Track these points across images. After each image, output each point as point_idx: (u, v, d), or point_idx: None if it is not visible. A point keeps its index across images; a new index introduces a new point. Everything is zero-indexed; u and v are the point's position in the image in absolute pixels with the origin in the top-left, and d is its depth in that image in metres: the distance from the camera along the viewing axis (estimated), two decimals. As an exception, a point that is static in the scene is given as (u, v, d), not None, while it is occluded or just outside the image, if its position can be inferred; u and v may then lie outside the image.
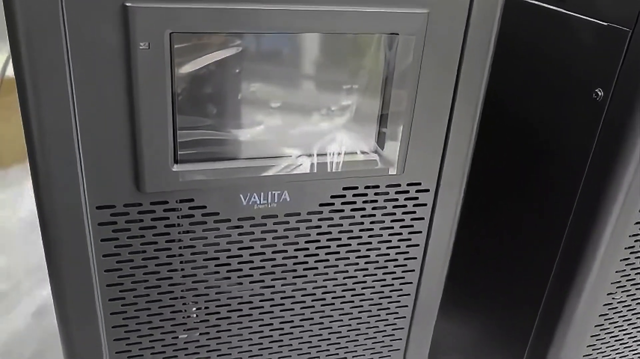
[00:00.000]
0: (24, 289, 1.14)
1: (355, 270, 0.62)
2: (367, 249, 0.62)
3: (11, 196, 1.40)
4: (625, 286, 0.68)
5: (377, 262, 0.63)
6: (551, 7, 0.66)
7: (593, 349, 0.73)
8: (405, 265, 0.64)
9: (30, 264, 1.17)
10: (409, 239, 0.63)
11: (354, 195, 0.58)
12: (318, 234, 0.59)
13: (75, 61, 0.45)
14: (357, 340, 0.68)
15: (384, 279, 0.64)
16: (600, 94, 0.60)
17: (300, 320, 0.64)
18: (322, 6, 0.48)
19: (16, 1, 0.42)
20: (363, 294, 0.64)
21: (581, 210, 0.64)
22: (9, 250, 1.24)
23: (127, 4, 0.43)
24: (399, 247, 0.63)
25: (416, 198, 0.60)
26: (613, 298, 0.69)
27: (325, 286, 0.62)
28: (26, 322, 1.06)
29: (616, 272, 0.66)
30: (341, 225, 0.59)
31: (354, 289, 0.64)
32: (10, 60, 0.44)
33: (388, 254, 0.63)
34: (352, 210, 0.59)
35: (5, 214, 1.35)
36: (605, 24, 0.59)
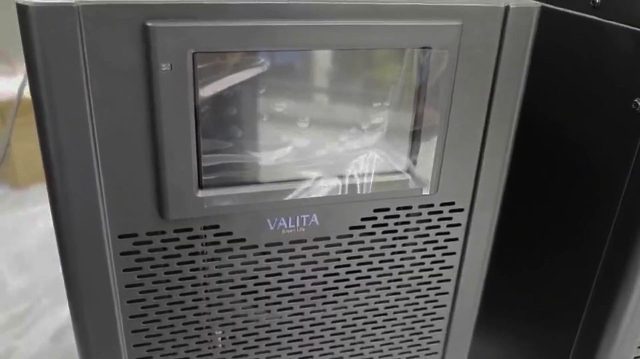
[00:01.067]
0: (42, 309, 1.13)
1: (387, 294, 0.60)
2: (399, 273, 0.59)
3: (30, 215, 1.40)
4: (670, 305, 0.65)
5: (410, 285, 0.60)
6: (586, 15, 0.64)
7: (636, 372, 0.70)
8: (439, 288, 0.61)
9: (49, 284, 1.16)
10: (443, 261, 0.60)
11: (386, 217, 0.55)
12: (348, 258, 0.56)
13: (94, 83, 0.42)
14: (389, 366, 0.65)
15: (417, 303, 0.62)
16: (640, 104, 0.57)
17: (331, 347, 0.61)
18: (351, 21, 0.46)
19: (33, 20, 0.40)
20: (395, 318, 0.62)
21: (621, 227, 0.61)
22: (27, 271, 1.24)
23: (148, 24, 0.41)
24: (432, 269, 0.60)
25: (450, 218, 0.58)
26: (658, 319, 0.66)
27: (356, 312, 0.60)
28: (45, 343, 1.05)
29: (661, 291, 0.63)
30: (372, 248, 0.57)
31: (386, 314, 0.61)
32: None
33: (421, 277, 0.60)
34: (383, 232, 0.56)
35: (25, 233, 1.35)
36: (644, 30, 0.57)
